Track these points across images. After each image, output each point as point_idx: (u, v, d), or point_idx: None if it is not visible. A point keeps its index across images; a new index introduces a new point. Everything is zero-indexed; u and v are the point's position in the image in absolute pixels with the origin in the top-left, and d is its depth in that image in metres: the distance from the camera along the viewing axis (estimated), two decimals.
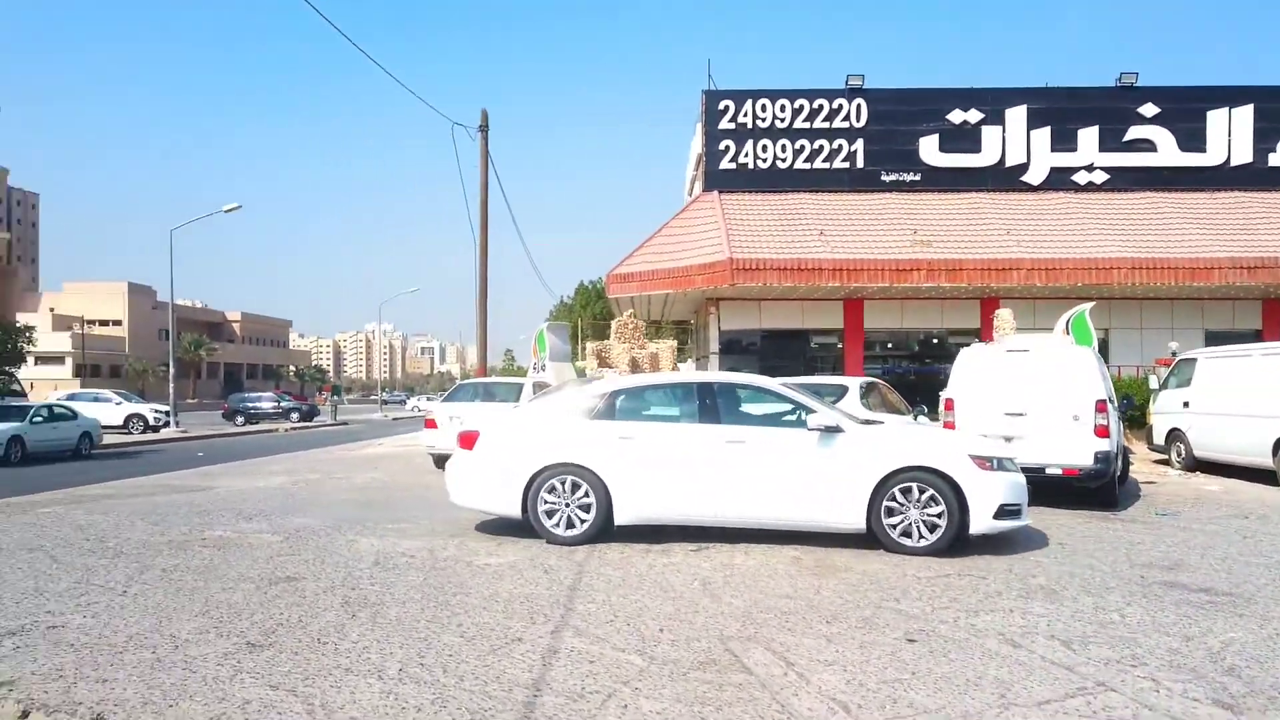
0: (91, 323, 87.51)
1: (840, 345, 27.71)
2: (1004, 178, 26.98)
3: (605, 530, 7.95)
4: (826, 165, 27.52)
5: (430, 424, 14.66)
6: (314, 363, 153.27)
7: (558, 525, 7.95)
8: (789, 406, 7.98)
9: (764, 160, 27.64)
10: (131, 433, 33.72)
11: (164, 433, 33.32)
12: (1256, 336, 26.62)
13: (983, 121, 26.90)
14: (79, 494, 12.26)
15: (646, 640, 4.98)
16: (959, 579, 6.68)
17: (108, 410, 34.54)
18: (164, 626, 5.23)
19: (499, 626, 5.24)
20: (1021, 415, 9.97)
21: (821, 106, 27.43)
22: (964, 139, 27.08)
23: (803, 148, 27.57)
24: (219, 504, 10.94)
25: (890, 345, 28.65)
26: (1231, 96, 26.60)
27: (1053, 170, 26.86)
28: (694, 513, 7.83)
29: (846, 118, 27.38)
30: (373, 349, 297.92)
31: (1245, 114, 26.45)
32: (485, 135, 21.08)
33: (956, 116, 27.00)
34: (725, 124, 27.65)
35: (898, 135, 27.29)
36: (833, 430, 7.59)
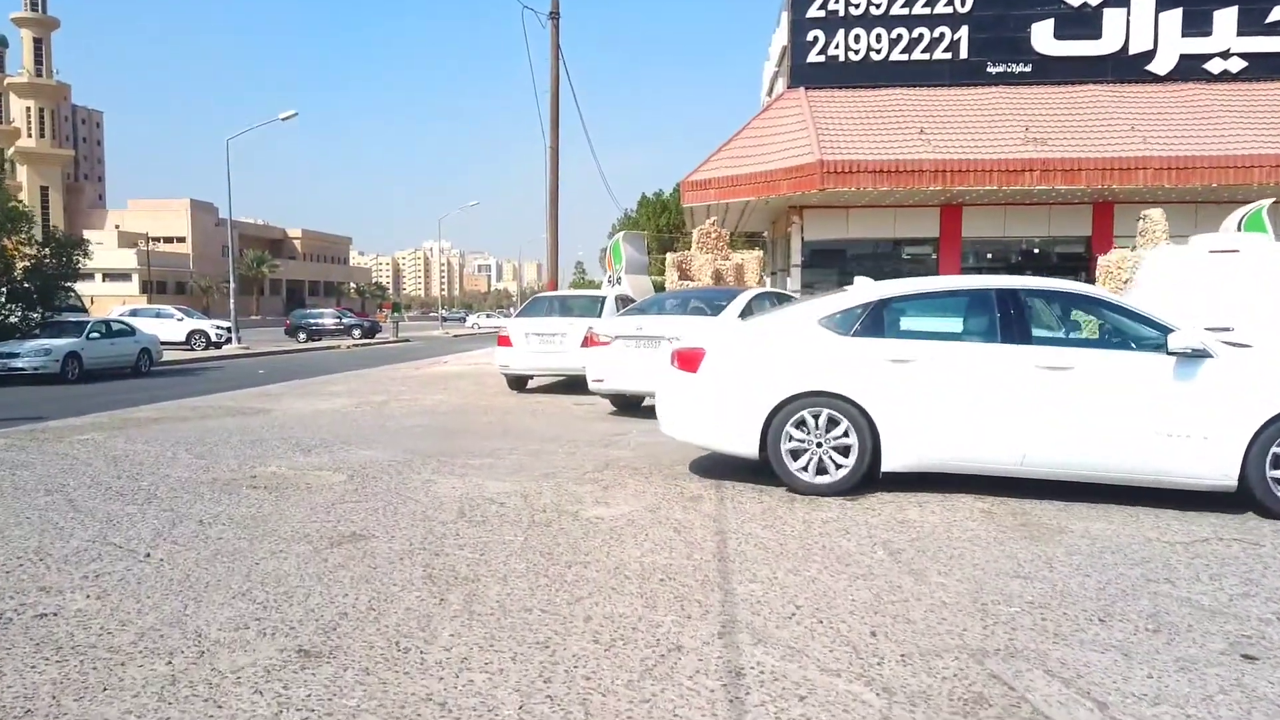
0: (156, 240, 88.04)
1: (934, 256, 25.54)
2: (1126, 67, 24.14)
3: (868, 477, 6.31)
4: (926, 56, 24.93)
5: (504, 341, 13.19)
6: (374, 280, 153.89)
7: (805, 469, 6.31)
8: (1131, 323, 6.02)
9: (856, 52, 25.14)
10: (194, 349, 33.18)
11: (226, 349, 32.71)
12: None
13: (1104, 4, 23.96)
14: (125, 417, 11.14)
15: (861, 653, 3.45)
16: (1226, 546, 5.03)
17: (170, 326, 34.01)
18: (190, 615, 3.85)
19: (642, 623, 3.76)
20: (1229, 329, 8.10)
21: None
22: (1083, 24, 24.20)
23: (899, 37, 24.97)
24: (275, 431, 9.68)
25: (990, 255, 26.36)
26: None
27: (1182, 58, 23.93)
28: (992, 459, 6.07)
29: (950, 2, 24.64)
30: (431, 267, 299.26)
31: None
32: (556, 23, 19.12)
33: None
34: (814, 11, 25.11)
35: (1007, 21, 24.51)
36: (1199, 355, 5.74)
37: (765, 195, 22.96)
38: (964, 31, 24.62)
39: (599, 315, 13.15)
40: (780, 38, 26.84)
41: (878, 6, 24.90)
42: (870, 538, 5.18)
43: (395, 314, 50.56)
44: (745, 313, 10.30)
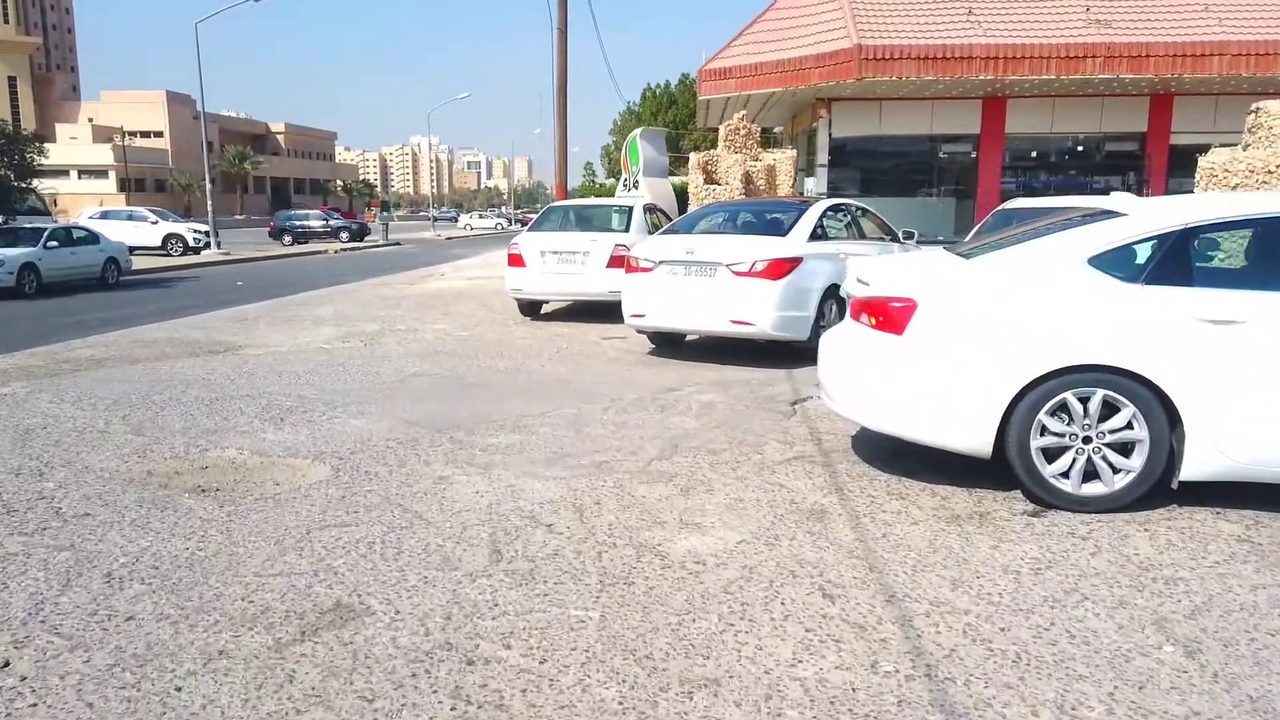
0: (133, 134, 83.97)
1: (974, 154, 23.36)
2: None
3: (1157, 486, 4.45)
4: None
5: (515, 260, 11.19)
6: (361, 177, 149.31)
7: (1066, 475, 4.44)
8: None
9: None
10: (170, 254, 30.97)
11: (204, 255, 30.51)
12: None
13: None
14: (65, 356, 9.24)
15: None
16: None
17: (143, 230, 31.69)
18: None
19: None
20: None
21: None
22: None
23: None
24: (243, 382, 7.83)
25: (1034, 154, 24.15)
26: None
27: None
28: None
29: None
30: (420, 163, 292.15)
31: None
32: None
33: None
34: None
35: None
36: None
37: (793, 86, 20.65)
38: None
39: (627, 230, 11.14)
40: None
41: None
42: (1122, 605, 3.43)
43: (384, 213, 48.05)
44: (817, 232, 8.37)
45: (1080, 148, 24.06)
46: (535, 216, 13.91)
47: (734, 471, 5.15)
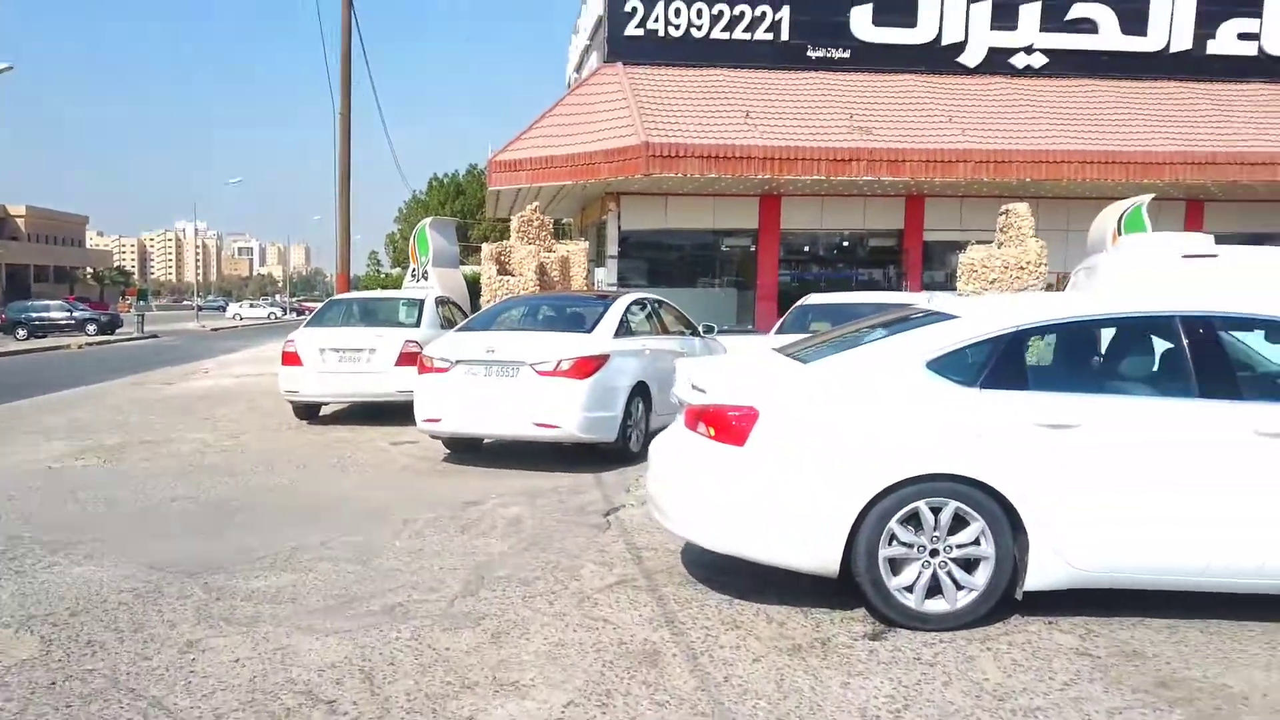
0: None
1: (753, 248, 24.40)
2: (939, 58, 23.91)
3: (1002, 600, 4.19)
4: (748, 36, 23.56)
5: (291, 359, 10.10)
6: (116, 264, 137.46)
7: (911, 590, 4.15)
8: None
9: (677, 27, 23.36)
10: None
11: None
12: None
13: None
14: None
15: None
16: None
17: None
18: None
19: None
20: None
21: None
22: (899, 10, 23.69)
23: (721, 14, 23.42)
24: None
25: (807, 248, 25.58)
26: None
27: (991, 51, 23.99)
28: (1204, 568, 4.10)
29: None
30: (184, 249, 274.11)
31: None
32: None
33: None
34: None
35: (828, 3, 23.60)
36: None
37: (584, 179, 20.80)
38: (785, 12, 23.49)
39: (418, 324, 10.39)
40: (595, 8, 24.65)
41: None
42: None
43: (140, 302, 44.04)
44: (622, 328, 8.05)
45: (846, 243, 25.74)
46: (317, 307, 12.83)
47: (551, 606, 4.54)
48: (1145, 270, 7.65)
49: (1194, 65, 24.52)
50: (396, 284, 18.67)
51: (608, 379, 7.40)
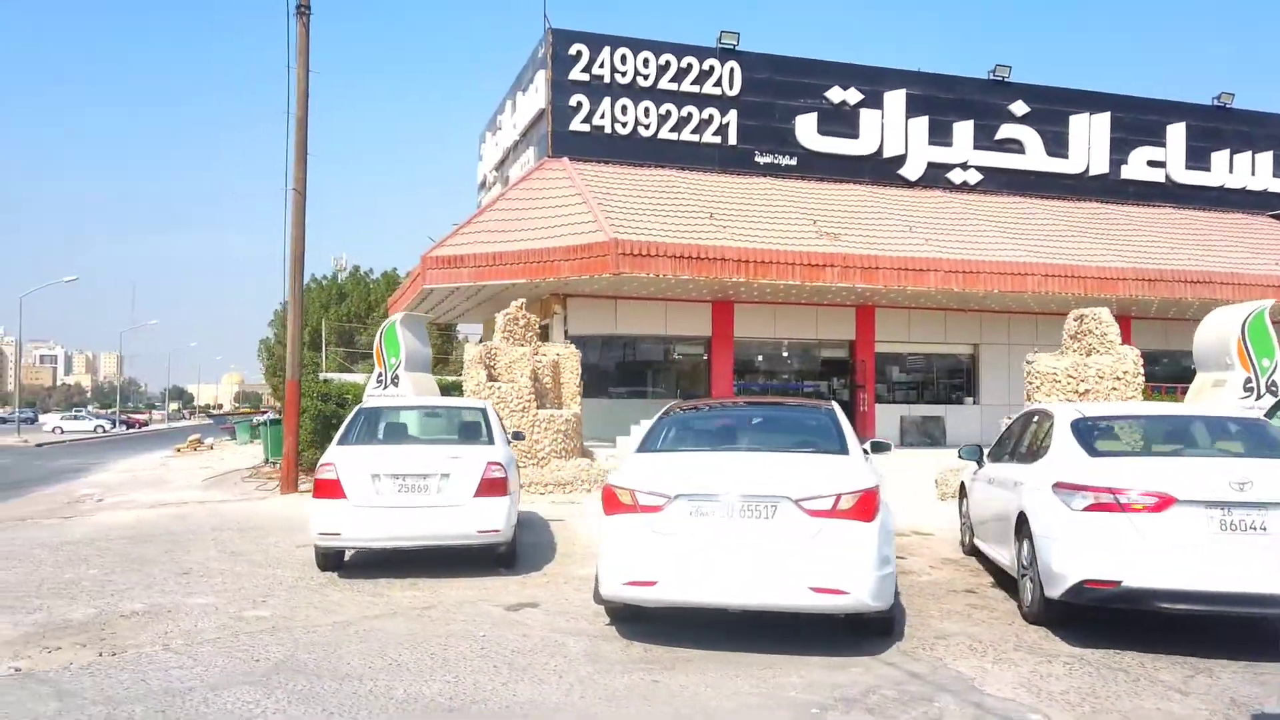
0: None
1: (705, 356, 23.00)
2: (882, 169, 23.87)
3: None
4: (696, 138, 22.74)
5: (330, 489, 7.31)
6: None
7: None
8: None
9: (624, 124, 22.25)
10: None
11: None
12: None
13: (861, 104, 23.62)
14: None
15: None
16: None
17: None
18: None
19: None
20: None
21: (690, 66, 22.59)
22: (842, 122, 23.61)
23: (669, 114, 22.53)
24: None
25: (760, 357, 24.43)
26: (1092, 102, 25.54)
27: (929, 165, 24.21)
28: None
29: (719, 83, 22.82)
30: None
31: (1103, 122, 25.54)
32: (306, 23, 13.64)
33: (835, 95, 23.50)
34: (578, 74, 21.86)
35: (773, 110, 23.23)
36: None
37: (540, 277, 18.86)
38: (733, 116, 22.91)
39: (491, 440, 7.99)
40: (531, 102, 23.21)
41: (645, 78, 22.40)
42: None
43: None
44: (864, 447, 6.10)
45: (787, 354, 24.80)
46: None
47: None
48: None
49: (1110, 189, 25.63)
50: (354, 392, 15.84)
51: (887, 521, 5.42)
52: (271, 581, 7.56)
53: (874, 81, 23.76)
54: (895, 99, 23.83)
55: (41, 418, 72.92)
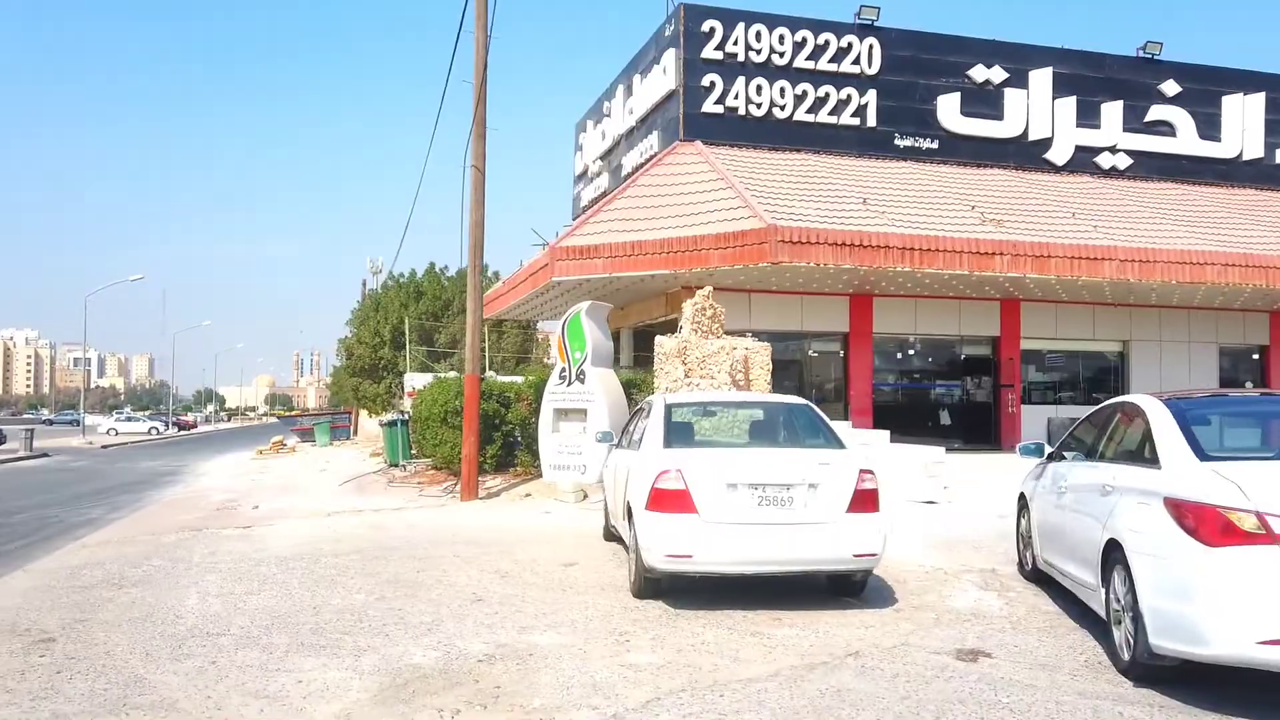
0: None
1: (842, 353, 21.46)
2: (1026, 153, 22.22)
3: None
4: (834, 120, 21.22)
5: (676, 502, 5.40)
6: None
7: None
8: None
9: (759, 105, 20.77)
10: None
11: None
12: (1262, 352, 23.97)
13: (1006, 83, 21.99)
14: None
15: None
16: None
17: None
18: None
19: None
20: None
21: (828, 43, 21.07)
22: (986, 103, 22.00)
23: (805, 94, 21.02)
24: None
25: (899, 355, 22.87)
26: (1246, 81, 23.72)
27: (1077, 149, 22.54)
28: None
29: (857, 60, 21.28)
30: (13, 359, 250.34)
31: (1257, 103, 23.73)
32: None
33: (979, 74, 21.88)
34: (711, 52, 20.42)
35: (914, 90, 21.63)
36: None
37: (686, 268, 17.42)
38: (871, 96, 21.36)
39: (839, 443, 6.52)
40: (655, 85, 21.77)
41: (780, 56, 20.91)
42: None
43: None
44: None
45: (928, 351, 23.24)
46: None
47: None
48: None
49: (1264, 175, 23.82)
50: (515, 390, 14.42)
51: None
52: (595, 612, 6.11)
53: (1019, 59, 22.15)
54: (1041, 78, 22.20)
55: (89, 419, 72.18)
